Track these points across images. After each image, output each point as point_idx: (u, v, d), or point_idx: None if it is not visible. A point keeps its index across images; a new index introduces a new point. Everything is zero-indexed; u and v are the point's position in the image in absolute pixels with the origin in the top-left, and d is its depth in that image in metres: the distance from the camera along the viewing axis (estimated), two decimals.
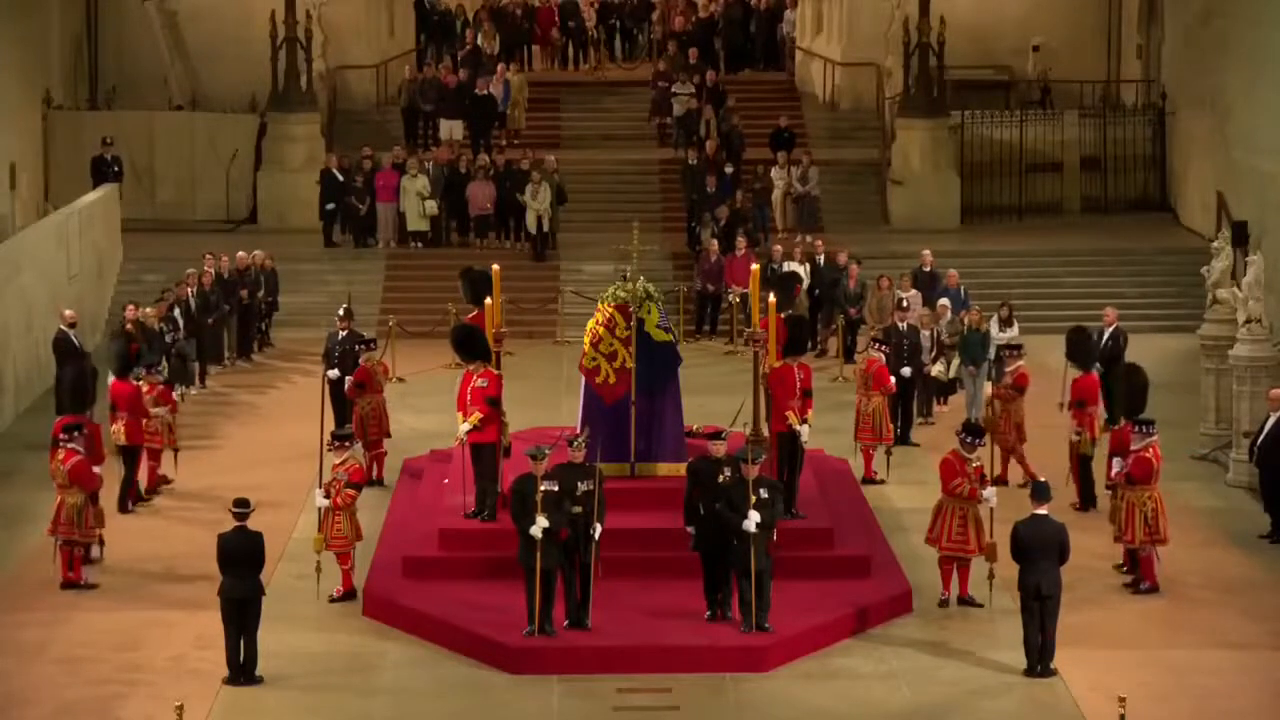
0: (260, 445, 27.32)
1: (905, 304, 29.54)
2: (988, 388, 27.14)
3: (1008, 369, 25.73)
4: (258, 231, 37.66)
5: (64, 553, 21.79)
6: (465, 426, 22.25)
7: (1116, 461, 22.00)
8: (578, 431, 21.43)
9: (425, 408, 28.28)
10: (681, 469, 21.54)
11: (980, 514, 21.02)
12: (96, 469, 22.23)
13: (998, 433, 24.55)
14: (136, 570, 22.28)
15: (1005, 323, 29.22)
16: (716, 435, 20.82)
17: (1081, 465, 24.56)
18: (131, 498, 24.51)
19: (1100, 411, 25.16)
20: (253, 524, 19.51)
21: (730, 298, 33.62)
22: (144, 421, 24.58)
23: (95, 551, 22.39)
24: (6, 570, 22.51)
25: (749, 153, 38.48)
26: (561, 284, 34.80)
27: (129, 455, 24.54)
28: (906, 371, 27.62)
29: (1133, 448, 21.70)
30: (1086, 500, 24.37)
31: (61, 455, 21.85)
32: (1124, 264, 36.08)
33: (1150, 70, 41.01)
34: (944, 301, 29.77)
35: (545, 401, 28.54)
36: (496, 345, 23.36)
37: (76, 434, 21.99)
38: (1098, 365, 28.52)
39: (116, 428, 24.42)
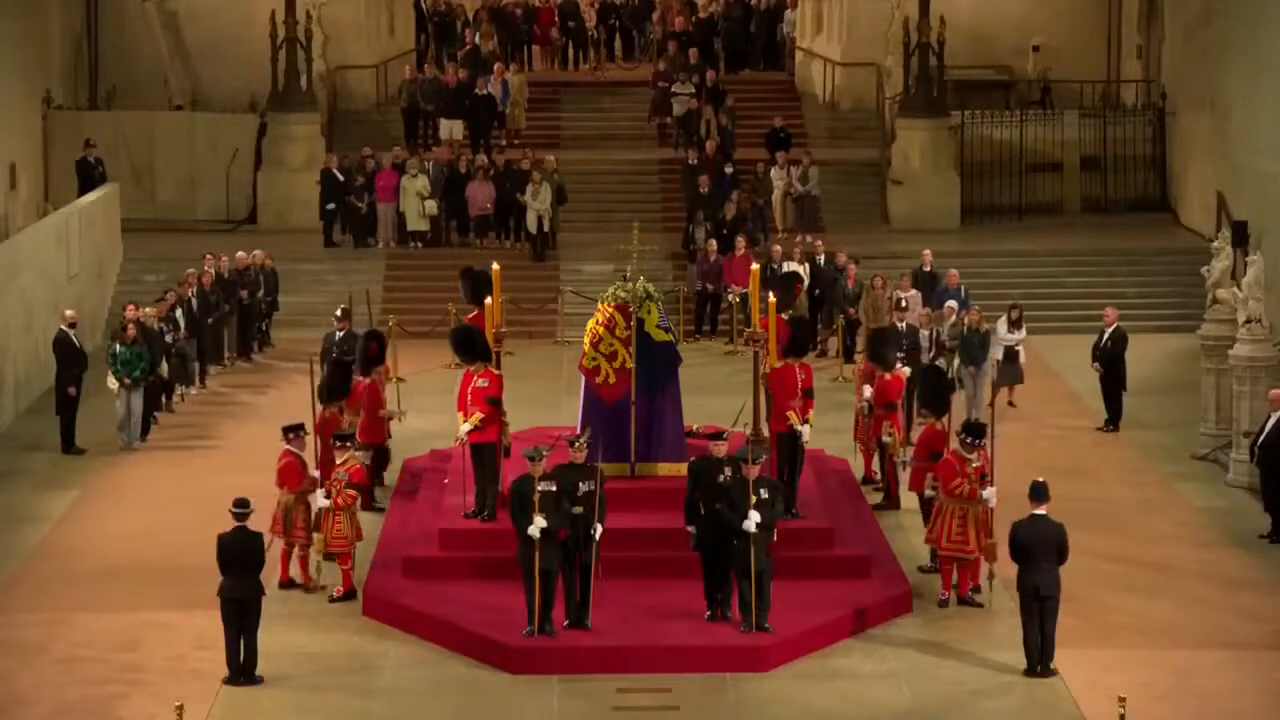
0: (260, 445, 27.28)
1: (904, 304, 29.55)
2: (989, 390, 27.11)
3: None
4: (258, 231, 37.67)
5: (282, 552, 21.62)
6: (466, 427, 22.25)
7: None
8: (578, 432, 21.43)
9: (425, 408, 28.26)
10: (682, 469, 21.54)
11: (980, 514, 21.01)
12: (315, 473, 21.75)
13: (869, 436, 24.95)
14: (137, 570, 22.29)
15: (1014, 324, 29.21)
16: (717, 435, 20.82)
17: (884, 460, 24.43)
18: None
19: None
20: (252, 524, 19.51)
21: (730, 298, 33.62)
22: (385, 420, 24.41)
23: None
24: (6, 570, 22.51)
25: (740, 152, 38.50)
26: (561, 284, 34.79)
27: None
28: (905, 371, 27.57)
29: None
30: (890, 497, 24.37)
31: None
32: (1124, 264, 36.07)
33: (1150, 70, 41.02)
34: (951, 303, 29.72)
35: (545, 401, 28.54)
36: (496, 345, 23.37)
37: (293, 435, 21.78)
38: (1098, 365, 28.61)
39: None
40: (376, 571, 21.68)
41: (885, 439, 24.04)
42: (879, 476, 25.47)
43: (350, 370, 24.25)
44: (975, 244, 36.72)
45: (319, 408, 23.10)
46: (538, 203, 36.13)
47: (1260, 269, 26.07)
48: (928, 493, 21.87)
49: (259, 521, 19.83)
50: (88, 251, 33.73)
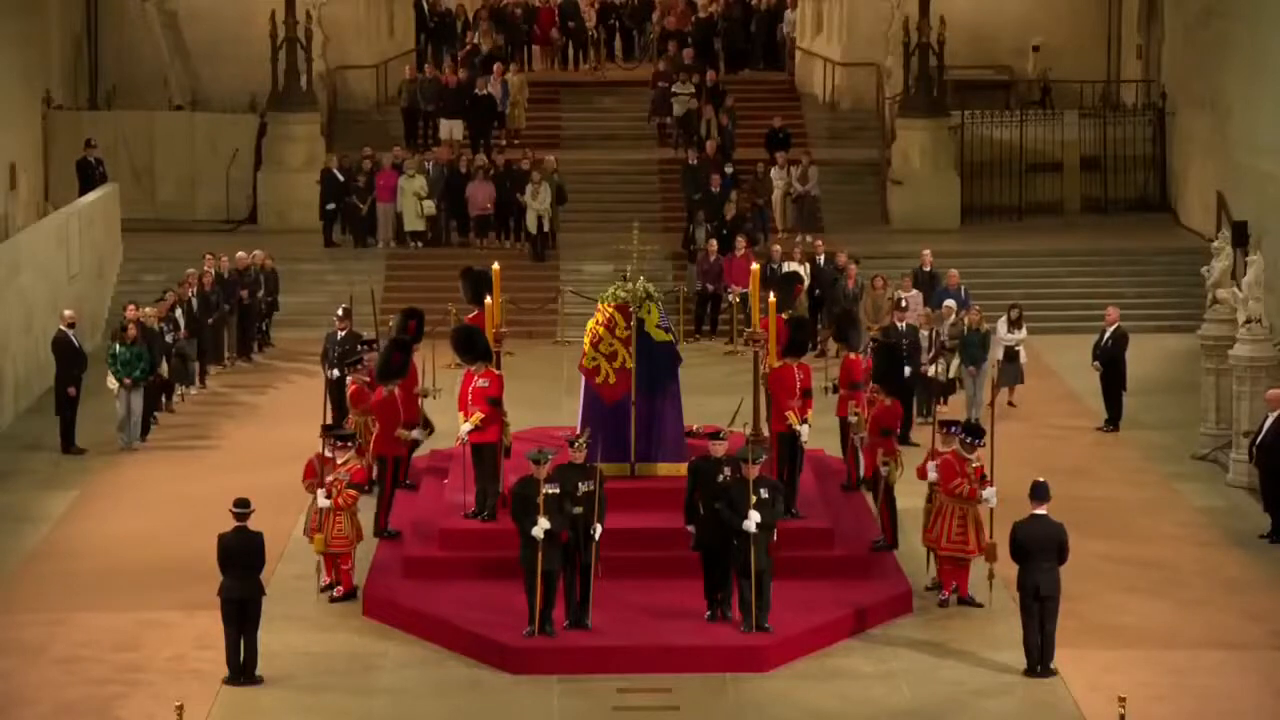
0: (260, 445, 27.31)
1: (905, 304, 29.54)
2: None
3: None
4: (258, 231, 37.67)
5: (326, 559, 21.45)
6: (467, 426, 22.25)
7: (931, 467, 21.82)
8: (578, 432, 21.43)
9: (425, 408, 28.25)
10: (681, 469, 21.53)
11: (980, 514, 21.02)
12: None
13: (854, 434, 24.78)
14: (137, 570, 22.29)
15: (1014, 324, 29.22)
16: (716, 435, 20.83)
17: (845, 441, 24.51)
18: (382, 519, 22.90)
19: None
20: (252, 524, 19.51)
21: (730, 298, 33.62)
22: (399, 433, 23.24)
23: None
24: (6, 570, 22.51)
25: (740, 152, 38.51)
26: (561, 284, 34.79)
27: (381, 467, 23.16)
28: (905, 371, 27.54)
29: (940, 449, 21.60)
30: (862, 482, 24.29)
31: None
32: (1124, 264, 36.07)
33: (1150, 70, 41.02)
34: (949, 303, 29.72)
35: (545, 401, 28.54)
36: (497, 345, 23.37)
37: (327, 433, 21.70)
38: (1098, 365, 28.63)
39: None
40: (376, 571, 21.69)
41: (851, 418, 24.05)
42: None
43: (410, 349, 24.12)
44: (975, 244, 36.72)
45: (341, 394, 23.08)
46: (538, 203, 36.13)
47: (1260, 269, 26.07)
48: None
49: (261, 521, 19.81)
50: (88, 251, 33.72)
